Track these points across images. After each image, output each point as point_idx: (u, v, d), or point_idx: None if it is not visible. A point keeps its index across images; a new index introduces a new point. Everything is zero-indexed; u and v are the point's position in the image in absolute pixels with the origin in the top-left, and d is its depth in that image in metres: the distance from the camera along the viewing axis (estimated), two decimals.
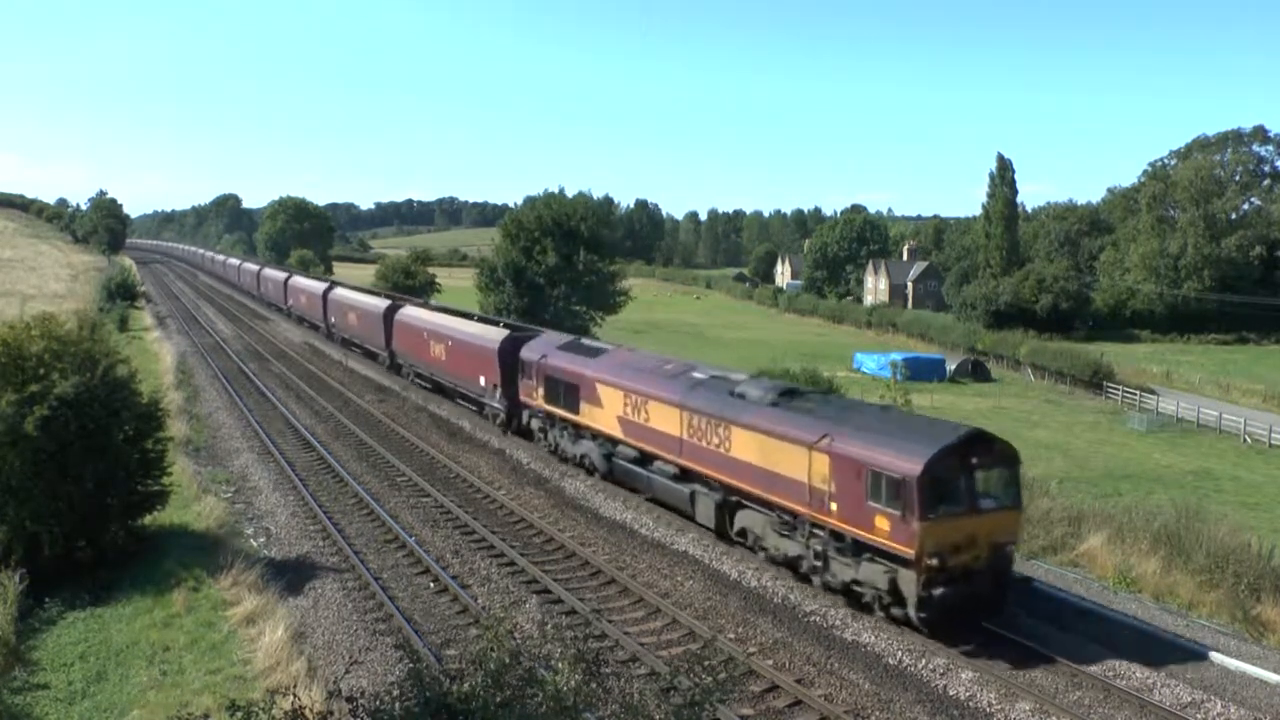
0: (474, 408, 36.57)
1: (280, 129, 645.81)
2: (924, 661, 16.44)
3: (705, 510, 22.12)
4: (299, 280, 73.79)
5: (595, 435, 26.97)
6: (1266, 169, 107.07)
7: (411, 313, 44.28)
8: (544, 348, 30.40)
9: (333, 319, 58.44)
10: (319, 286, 64.16)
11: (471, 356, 35.34)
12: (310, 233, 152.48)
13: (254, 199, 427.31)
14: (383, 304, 48.36)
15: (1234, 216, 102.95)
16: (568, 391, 28.07)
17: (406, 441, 33.33)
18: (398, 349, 45.10)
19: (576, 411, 27.63)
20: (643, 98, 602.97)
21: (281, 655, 16.13)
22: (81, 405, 19.82)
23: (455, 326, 38.51)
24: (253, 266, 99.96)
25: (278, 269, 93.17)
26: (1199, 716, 14.85)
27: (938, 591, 16.36)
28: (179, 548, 21.79)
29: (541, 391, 29.68)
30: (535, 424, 30.89)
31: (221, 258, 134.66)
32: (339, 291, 59.61)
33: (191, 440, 32.38)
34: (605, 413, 26.10)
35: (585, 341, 30.35)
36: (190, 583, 19.60)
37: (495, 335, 34.25)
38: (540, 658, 9.50)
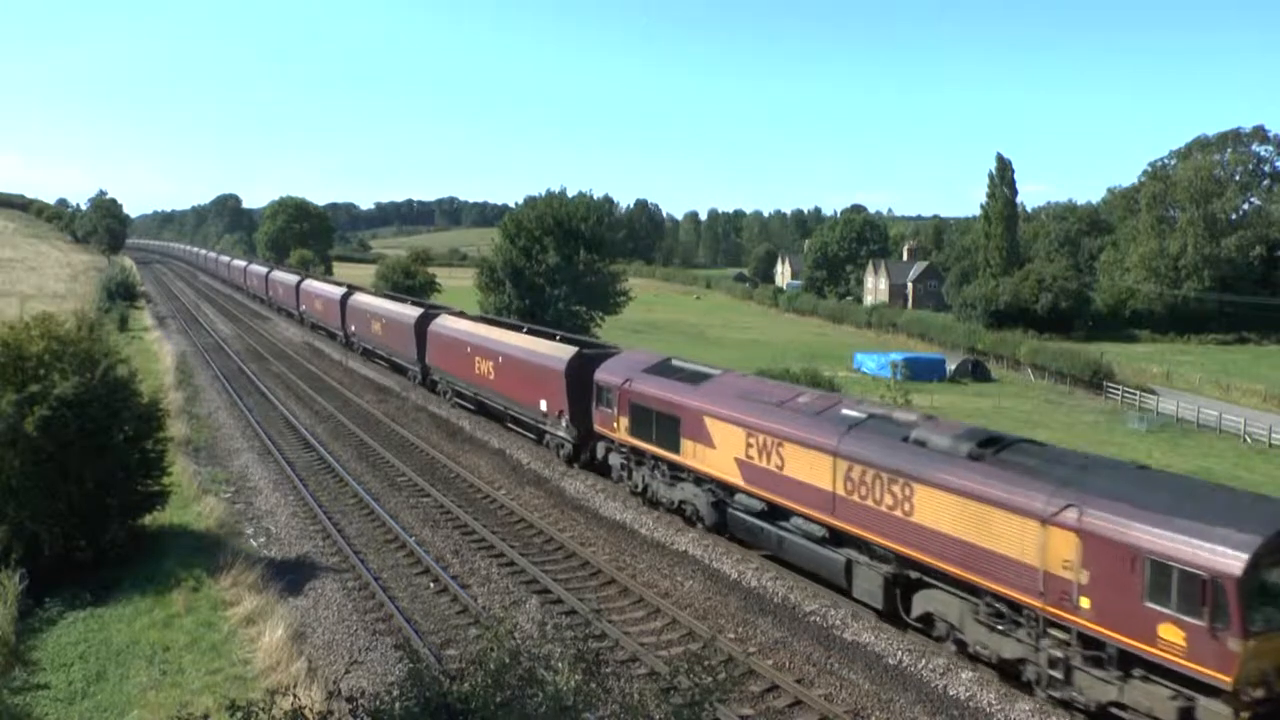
0: (531, 435, 31.96)
1: (280, 129, 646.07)
2: (924, 661, 16.43)
3: (868, 585, 17.78)
4: (313, 284, 68.56)
5: (701, 479, 22.58)
6: (1266, 169, 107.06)
7: (450, 324, 39.42)
8: (626, 370, 25.92)
9: (353, 327, 53.69)
10: (336, 292, 59.12)
11: (529, 376, 30.58)
12: (310, 233, 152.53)
13: (254, 199, 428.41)
14: (414, 312, 43.27)
15: (1234, 216, 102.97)
16: (663, 424, 23.56)
17: (406, 441, 33.33)
18: (433, 364, 40.36)
19: (675, 449, 23.11)
20: (643, 98, 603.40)
21: (281, 655, 16.14)
22: (81, 405, 19.82)
23: (507, 340, 33.69)
24: (260, 268, 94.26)
25: (289, 272, 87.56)
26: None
27: None
28: (179, 548, 21.80)
29: (625, 423, 25.19)
30: (615, 460, 26.32)
31: (226, 259, 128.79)
32: (360, 297, 54.47)
33: (191, 440, 32.38)
34: (718, 454, 21.60)
35: (680, 363, 25.83)
36: (190, 583, 19.60)
37: (561, 353, 29.30)
38: (540, 658, 9.50)
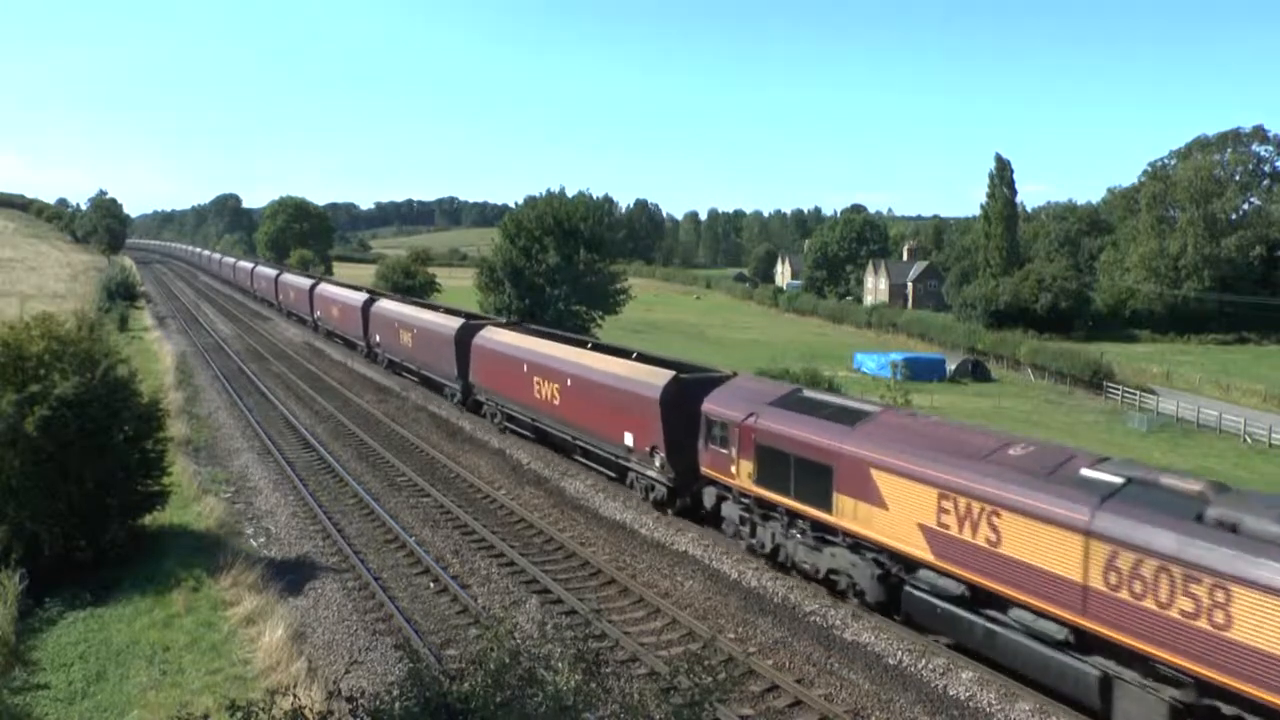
0: (610, 473, 27.33)
1: (280, 129, 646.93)
2: (924, 661, 16.42)
3: (1143, 712, 13.45)
4: (330, 289, 63.27)
5: (862, 546, 18.11)
6: (1266, 169, 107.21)
7: (499, 337, 35.06)
8: (747, 401, 21.46)
9: (377, 337, 49.46)
10: (358, 298, 53.85)
11: (610, 403, 26.01)
12: (310, 233, 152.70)
13: (254, 199, 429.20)
14: (453, 323, 38.80)
15: (1234, 216, 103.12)
16: (805, 473, 19.12)
17: (406, 441, 33.32)
18: (478, 382, 35.93)
19: (825, 506, 18.66)
20: (643, 98, 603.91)
21: (281, 655, 16.13)
22: (82, 405, 19.80)
23: (577, 359, 28.89)
24: (269, 271, 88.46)
25: (301, 275, 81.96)
26: None
27: None
28: (179, 548, 21.80)
29: (749, 467, 20.78)
30: (731, 511, 21.70)
31: (230, 260, 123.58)
32: (386, 304, 49.72)
33: (191, 440, 32.37)
34: (891, 517, 17.22)
35: (818, 396, 21.38)
36: (190, 583, 19.60)
37: (654, 377, 24.46)
38: (540, 658, 9.50)
